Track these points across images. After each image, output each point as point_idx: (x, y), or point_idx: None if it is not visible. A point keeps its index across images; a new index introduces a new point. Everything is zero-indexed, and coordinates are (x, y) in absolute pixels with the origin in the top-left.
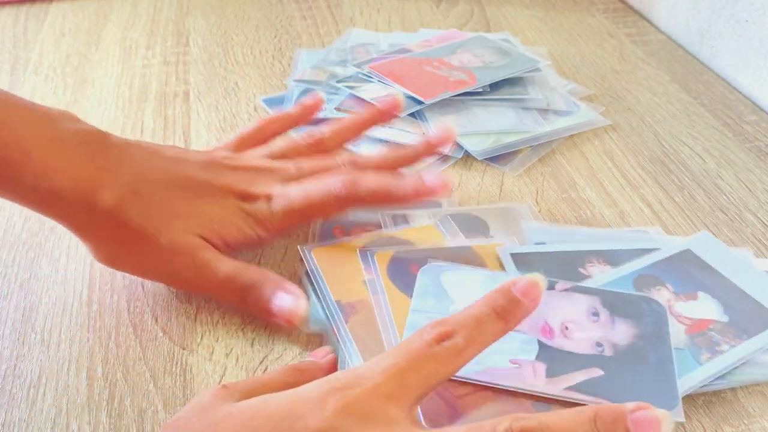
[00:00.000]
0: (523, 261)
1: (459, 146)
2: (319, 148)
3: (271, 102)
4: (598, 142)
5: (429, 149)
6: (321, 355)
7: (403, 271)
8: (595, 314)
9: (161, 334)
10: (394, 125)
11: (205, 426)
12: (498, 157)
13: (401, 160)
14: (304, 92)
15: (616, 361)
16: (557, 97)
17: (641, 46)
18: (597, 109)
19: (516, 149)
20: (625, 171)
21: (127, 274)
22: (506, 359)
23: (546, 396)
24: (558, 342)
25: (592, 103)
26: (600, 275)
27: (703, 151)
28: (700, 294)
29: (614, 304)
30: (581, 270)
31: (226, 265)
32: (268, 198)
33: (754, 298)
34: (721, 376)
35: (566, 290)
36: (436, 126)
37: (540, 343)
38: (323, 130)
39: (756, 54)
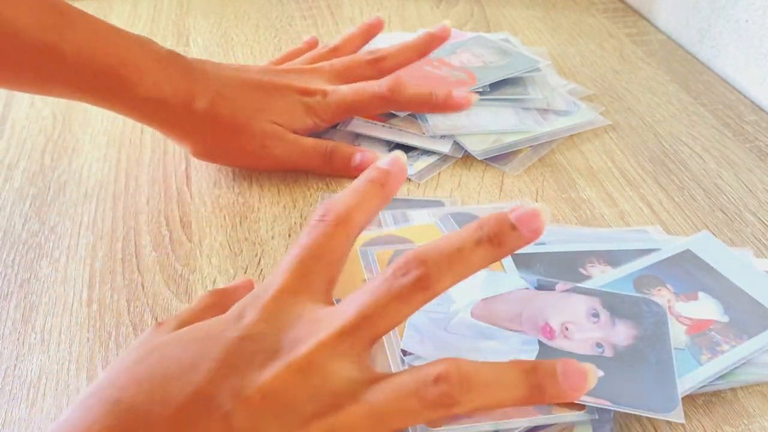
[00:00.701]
0: (523, 261)
1: (459, 146)
2: (376, 66)
3: None
4: (598, 142)
5: (433, 40)
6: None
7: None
8: (595, 315)
9: None
10: (394, 125)
11: (141, 355)
12: (498, 157)
13: (417, 52)
14: None
15: (616, 362)
16: (557, 97)
17: (641, 46)
18: (597, 109)
19: (516, 149)
20: (625, 171)
21: (126, 275)
22: (506, 360)
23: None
24: (558, 343)
25: (592, 103)
26: (600, 276)
27: (703, 151)
28: (701, 294)
29: (614, 305)
30: (581, 270)
31: (309, 139)
32: (324, 93)
33: (754, 298)
34: (722, 376)
35: (566, 291)
36: (436, 126)
37: (540, 343)
38: (385, 49)
39: (756, 54)
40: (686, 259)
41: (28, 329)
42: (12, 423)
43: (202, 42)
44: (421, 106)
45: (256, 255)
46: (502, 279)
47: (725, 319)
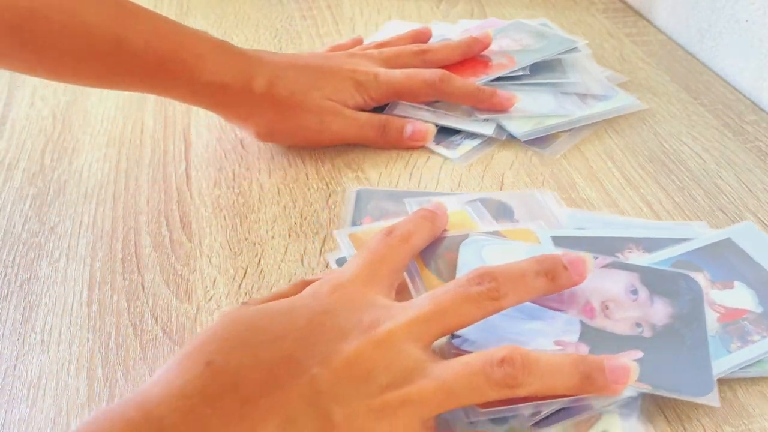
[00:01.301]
0: (562, 243)
1: (501, 129)
2: (423, 57)
3: None
4: (598, 142)
5: (475, 43)
6: None
7: (437, 256)
8: (634, 292)
9: (161, 334)
10: (438, 108)
11: (229, 325)
12: (538, 141)
13: (461, 53)
14: None
15: (654, 343)
16: (595, 81)
17: (641, 46)
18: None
19: (555, 132)
20: (625, 171)
21: (126, 275)
22: (551, 341)
23: None
24: (599, 322)
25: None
26: (638, 261)
27: (702, 151)
28: (737, 283)
29: (652, 281)
30: (619, 255)
31: (363, 114)
32: (376, 75)
33: None
34: (748, 366)
35: (606, 266)
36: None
37: (582, 323)
38: (432, 44)
39: (756, 54)
40: (725, 248)
41: (28, 329)
42: (12, 423)
43: None
44: (467, 99)
45: (256, 255)
46: (544, 251)
47: (759, 309)
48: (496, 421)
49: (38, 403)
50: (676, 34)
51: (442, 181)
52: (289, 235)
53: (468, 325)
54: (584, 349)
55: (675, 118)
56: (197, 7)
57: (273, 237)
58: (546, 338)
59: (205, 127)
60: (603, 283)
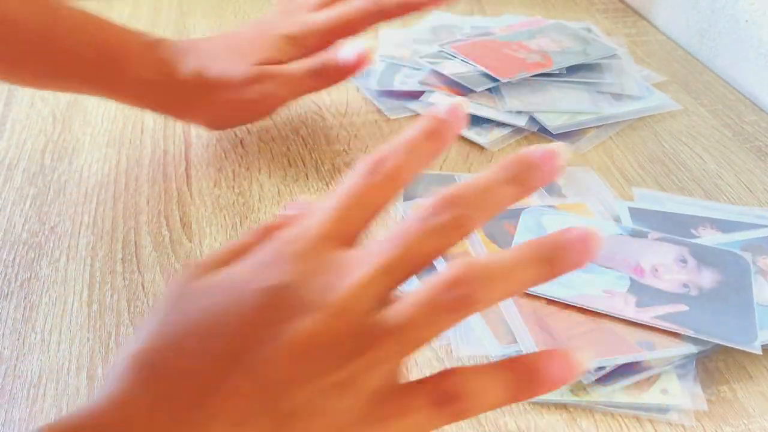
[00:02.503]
0: (638, 215)
1: (533, 121)
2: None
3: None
4: (597, 142)
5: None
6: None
7: (498, 228)
8: (683, 261)
9: None
10: (473, 99)
11: (171, 307)
12: (568, 135)
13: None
14: (390, 66)
15: (701, 300)
16: (631, 81)
17: (641, 47)
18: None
19: (585, 128)
20: (624, 171)
21: (126, 275)
22: (600, 289)
23: (635, 321)
24: (648, 280)
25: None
26: (710, 239)
27: (702, 151)
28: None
29: (702, 254)
30: (693, 231)
31: (294, 66)
32: (305, 22)
33: None
34: None
35: (658, 239)
36: (512, 103)
37: (631, 279)
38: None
39: (756, 54)
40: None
41: (28, 329)
42: (12, 423)
43: None
44: (405, 8)
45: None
46: (598, 225)
47: None
48: None
49: (38, 402)
50: (676, 34)
51: (473, 166)
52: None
53: (437, 257)
54: (632, 299)
55: (674, 118)
56: (197, 7)
57: None
58: (595, 289)
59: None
60: (654, 252)
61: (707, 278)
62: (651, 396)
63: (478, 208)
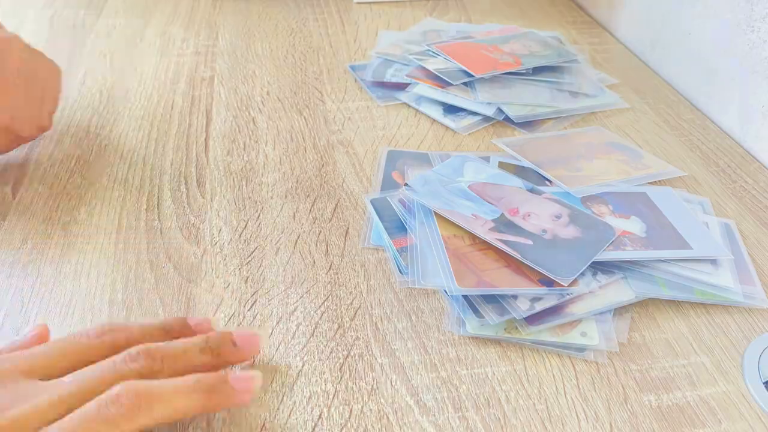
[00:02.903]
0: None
1: (499, 111)
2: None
3: (355, 68)
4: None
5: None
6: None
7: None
8: (558, 216)
9: (172, 270)
10: (450, 91)
11: None
12: (528, 124)
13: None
14: (383, 62)
15: (550, 243)
16: (587, 82)
17: (601, 54)
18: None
19: (544, 119)
20: None
21: (148, 222)
22: (471, 213)
23: (481, 238)
24: (516, 220)
25: (615, 90)
26: (552, 190)
27: (643, 141)
28: (633, 217)
29: (577, 217)
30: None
31: None
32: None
33: (675, 228)
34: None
35: (548, 198)
36: (483, 95)
37: (502, 215)
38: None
39: (697, 61)
40: (638, 198)
41: (64, 261)
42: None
43: (229, 36)
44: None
45: (257, 211)
46: (505, 177)
47: (642, 235)
48: (498, 312)
49: (67, 320)
50: (632, 43)
51: (446, 147)
52: (285, 197)
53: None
54: (490, 224)
55: (622, 114)
56: (228, 6)
57: (272, 197)
58: (470, 211)
59: (224, 106)
60: (536, 204)
61: (569, 232)
62: (572, 337)
63: (169, 365)
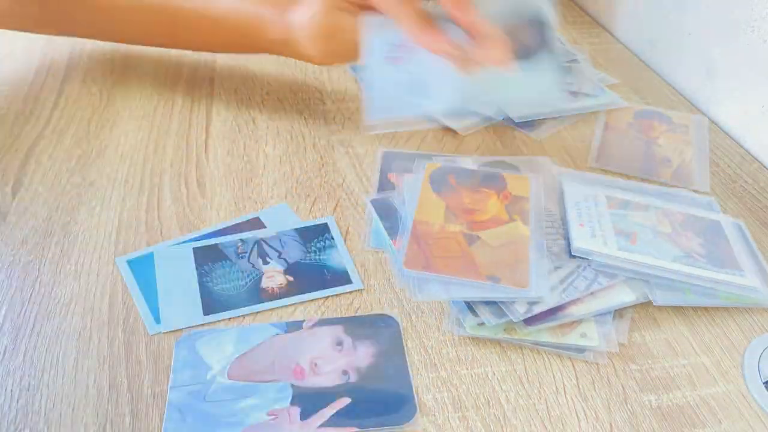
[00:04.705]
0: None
1: (500, 110)
2: None
3: (355, 68)
4: (553, 131)
5: None
6: None
7: (442, 178)
8: (340, 343)
9: None
10: None
11: None
12: (527, 124)
13: None
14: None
15: (361, 385)
16: (587, 82)
17: (601, 54)
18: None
19: (543, 119)
20: (572, 153)
21: (148, 222)
22: (264, 413)
23: None
24: (310, 380)
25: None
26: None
27: None
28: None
29: (355, 328)
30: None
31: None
32: None
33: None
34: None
35: (312, 326)
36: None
37: (293, 386)
38: None
39: (696, 61)
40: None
41: (64, 261)
42: (46, 334)
43: None
44: None
45: (256, 211)
46: (254, 331)
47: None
48: (495, 314)
49: (67, 319)
50: (632, 44)
51: (446, 147)
52: (285, 196)
53: None
54: (295, 411)
55: (622, 111)
56: None
57: (272, 197)
58: (260, 412)
59: (224, 106)
60: (310, 343)
61: (363, 355)
62: (571, 338)
63: None
